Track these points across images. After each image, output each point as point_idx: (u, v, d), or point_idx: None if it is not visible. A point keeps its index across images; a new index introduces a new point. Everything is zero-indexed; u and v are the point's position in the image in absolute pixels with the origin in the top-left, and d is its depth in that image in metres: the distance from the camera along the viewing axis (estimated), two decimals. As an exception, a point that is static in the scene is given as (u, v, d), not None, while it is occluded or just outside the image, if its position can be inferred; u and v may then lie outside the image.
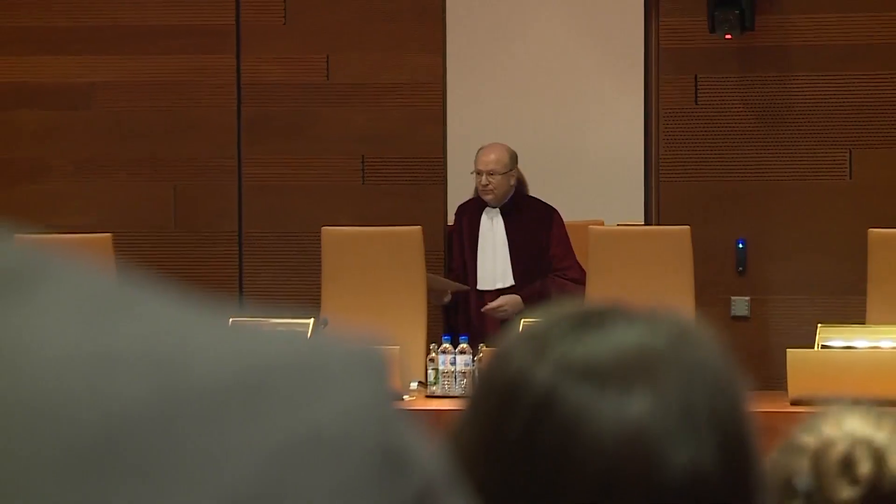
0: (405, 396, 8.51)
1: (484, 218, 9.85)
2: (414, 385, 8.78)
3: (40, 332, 0.68)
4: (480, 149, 9.91)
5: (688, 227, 9.50)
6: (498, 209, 9.77)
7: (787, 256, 10.06)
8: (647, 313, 1.66)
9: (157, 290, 0.73)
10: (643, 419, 1.55)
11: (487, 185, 9.71)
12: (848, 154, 10.03)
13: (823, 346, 8.55)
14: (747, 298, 10.00)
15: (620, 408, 1.54)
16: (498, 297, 9.76)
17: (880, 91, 10.07)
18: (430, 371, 8.78)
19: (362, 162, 10.49)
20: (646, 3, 10.48)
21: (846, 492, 2.21)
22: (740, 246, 10.02)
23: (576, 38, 12.02)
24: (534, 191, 10.21)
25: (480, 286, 9.84)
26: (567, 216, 10.06)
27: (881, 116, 10.03)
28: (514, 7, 12.01)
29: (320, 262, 9.76)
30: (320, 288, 9.68)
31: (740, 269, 10.04)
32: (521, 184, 10.08)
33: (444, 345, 8.82)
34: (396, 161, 10.50)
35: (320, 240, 9.75)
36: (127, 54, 10.65)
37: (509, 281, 9.76)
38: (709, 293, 9.50)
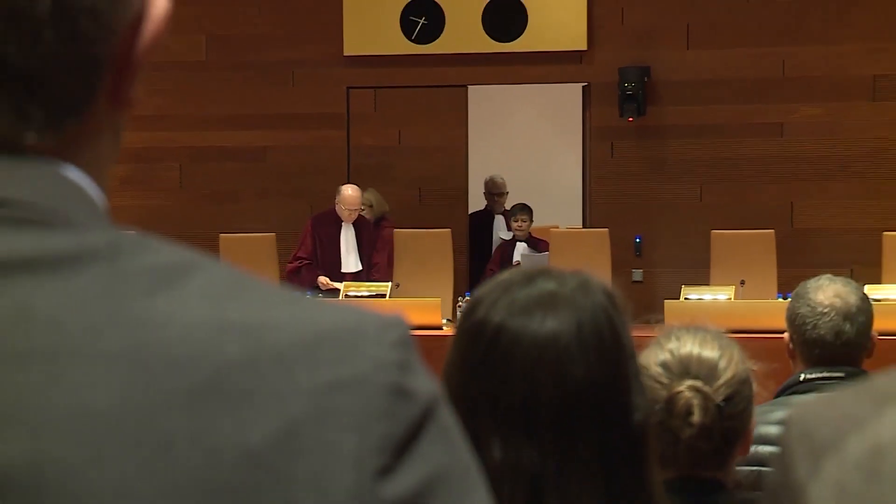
0: (443, 327, 8.80)
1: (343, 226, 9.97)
2: (445, 321, 8.98)
3: (183, 308, 0.76)
4: (346, 187, 9.97)
5: (606, 229, 9.96)
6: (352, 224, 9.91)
7: (663, 246, 10.86)
8: (562, 273, 1.77)
9: (259, 280, 0.80)
10: (551, 336, 1.68)
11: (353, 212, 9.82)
12: (699, 187, 10.86)
13: (686, 298, 9.18)
14: (641, 271, 10.81)
15: (538, 330, 1.68)
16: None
17: (718, 150, 10.74)
18: (458, 311, 8.68)
19: (419, 191, 11.35)
20: (583, 99, 11.23)
21: (686, 431, 2.20)
22: (637, 240, 10.86)
23: (542, 119, 12.46)
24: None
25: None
26: (537, 223, 10.78)
27: (722, 163, 10.74)
28: (506, 102, 12.24)
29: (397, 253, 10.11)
30: (394, 266, 10.01)
31: (637, 253, 10.85)
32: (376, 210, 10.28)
33: (467, 297, 9.39)
34: (438, 191, 11.32)
35: (394, 239, 10.13)
36: (284, 129, 11.23)
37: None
38: (619, 268, 9.86)
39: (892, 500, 0.71)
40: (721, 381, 2.24)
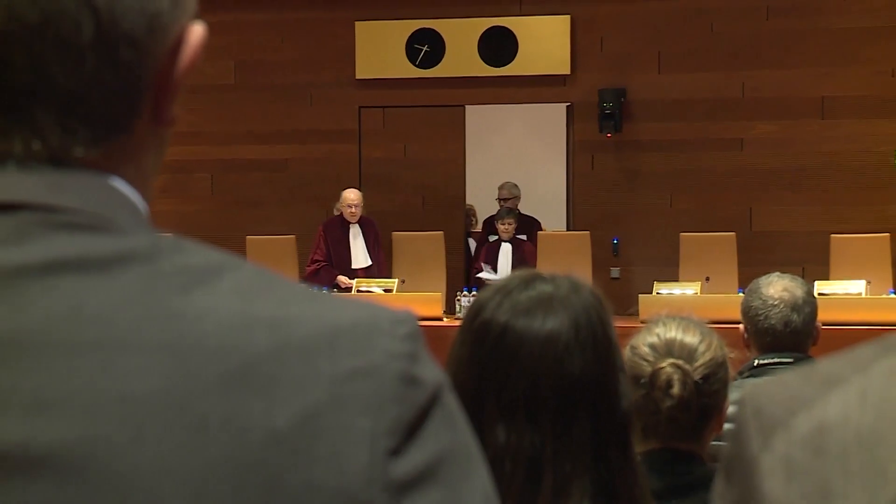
0: (444, 319, 8.88)
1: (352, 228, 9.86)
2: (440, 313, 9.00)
3: (216, 304, 0.75)
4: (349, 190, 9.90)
5: (588, 232, 9.93)
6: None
7: (638, 247, 10.76)
8: (554, 276, 1.75)
9: (284, 279, 0.79)
10: (550, 333, 1.66)
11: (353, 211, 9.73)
12: (669, 195, 10.76)
13: (658, 293, 9.11)
14: (618, 268, 10.68)
15: (540, 330, 1.66)
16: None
17: (686, 163, 10.65)
18: (457, 305, 9.20)
19: (422, 198, 11.29)
20: (567, 117, 11.06)
21: (666, 403, 2.21)
22: (615, 242, 10.75)
23: (531, 134, 12.24)
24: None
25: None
26: (526, 226, 10.50)
27: (689, 174, 10.66)
28: (499, 119, 12.01)
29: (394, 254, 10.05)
30: (392, 264, 9.97)
31: (615, 253, 10.73)
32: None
33: (465, 293, 9.14)
34: (439, 198, 11.25)
35: (391, 243, 10.07)
36: (303, 143, 11.15)
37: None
38: (598, 266, 9.76)
39: (834, 473, 0.70)
40: (699, 362, 2.24)
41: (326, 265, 9.87)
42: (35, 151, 0.76)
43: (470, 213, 11.43)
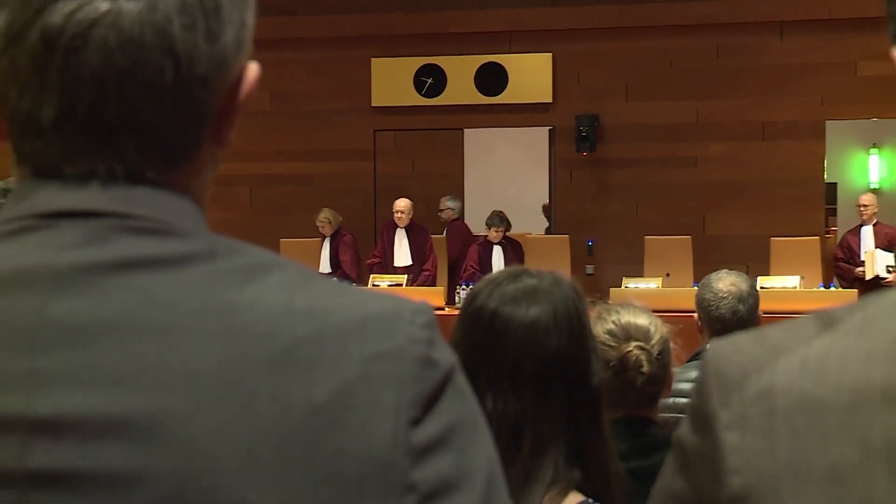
0: (445, 308, 8.65)
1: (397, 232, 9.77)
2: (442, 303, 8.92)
3: (264, 297, 0.74)
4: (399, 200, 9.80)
5: (567, 235, 10.03)
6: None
7: (609, 248, 10.67)
8: (539, 272, 1.73)
9: (321, 276, 0.78)
10: (533, 319, 1.64)
11: (401, 217, 9.69)
12: (635, 204, 10.67)
13: (626, 287, 9.07)
14: (592, 266, 10.60)
15: (524, 316, 1.65)
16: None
17: (649, 177, 10.57)
18: (457, 297, 9.16)
19: (427, 207, 11.03)
20: (549, 139, 11.04)
21: (639, 379, 2.19)
22: (590, 244, 10.69)
23: (519, 153, 11.99)
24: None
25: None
26: (515, 230, 10.35)
27: (652, 187, 10.57)
28: (492, 141, 11.81)
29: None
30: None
31: (590, 253, 10.67)
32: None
33: (463, 286, 9.10)
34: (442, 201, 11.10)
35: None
36: (326, 161, 11.16)
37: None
38: (576, 264, 9.76)
39: (779, 429, 0.70)
40: (654, 340, 2.23)
41: (379, 262, 9.82)
42: (115, 172, 0.76)
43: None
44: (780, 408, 0.70)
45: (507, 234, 10.10)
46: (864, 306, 0.71)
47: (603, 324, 2.25)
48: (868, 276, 9.05)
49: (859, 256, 9.32)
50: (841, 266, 9.36)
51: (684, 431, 0.76)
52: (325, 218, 9.93)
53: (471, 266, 9.92)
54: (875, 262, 9.02)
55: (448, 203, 10.55)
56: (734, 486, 0.70)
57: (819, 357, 0.70)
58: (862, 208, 9.36)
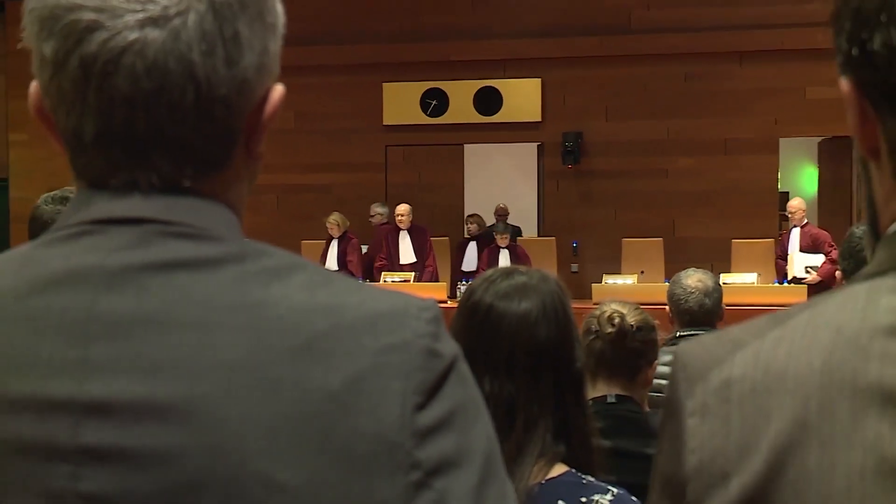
0: (448, 302, 8.49)
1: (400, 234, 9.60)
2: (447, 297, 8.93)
3: (288, 294, 0.73)
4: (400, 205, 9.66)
5: (554, 238, 10.05)
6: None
7: (591, 249, 10.61)
8: (529, 270, 1.72)
9: (339, 276, 0.77)
10: (524, 313, 1.63)
11: (402, 219, 9.58)
12: (614, 210, 10.52)
13: (606, 283, 9.04)
14: (577, 265, 10.58)
15: (516, 308, 1.63)
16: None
17: (626, 187, 10.46)
18: (457, 291, 8.86)
19: (431, 213, 10.86)
20: (538, 153, 10.97)
21: (608, 329, 2.24)
22: (574, 245, 10.66)
23: (512, 165, 11.62)
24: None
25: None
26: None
27: (629, 195, 10.53)
28: (489, 155, 11.56)
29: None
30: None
31: (574, 254, 10.63)
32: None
33: (464, 283, 8.81)
34: (444, 213, 10.98)
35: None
36: (343, 172, 11.05)
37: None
38: (562, 263, 9.85)
39: (733, 414, 0.69)
40: (631, 317, 2.27)
41: (386, 264, 9.70)
42: (153, 183, 0.75)
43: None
44: (735, 395, 0.70)
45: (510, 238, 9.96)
46: (811, 305, 0.71)
47: (601, 307, 2.35)
48: (789, 276, 9.02)
49: (787, 253, 9.31)
50: (779, 263, 9.27)
51: (661, 419, 0.77)
52: (335, 220, 9.78)
53: (481, 268, 9.71)
54: (794, 263, 8.99)
55: (377, 209, 10.34)
56: (690, 464, 0.71)
57: (769, 349, 0.70)
58: (790, 213, 9.21)
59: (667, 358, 2.91)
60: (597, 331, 2.23)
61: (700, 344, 0.75)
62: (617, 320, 2.24)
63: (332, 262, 9.71)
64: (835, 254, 8.63)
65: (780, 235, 10.00)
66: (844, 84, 0.71)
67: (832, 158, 11.18)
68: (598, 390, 2.23)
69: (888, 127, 0.69)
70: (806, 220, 9.21)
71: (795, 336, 0.70)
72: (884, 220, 0.72)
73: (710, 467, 0.69)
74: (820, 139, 10.69)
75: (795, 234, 9.23)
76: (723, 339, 0.74)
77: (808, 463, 0.65)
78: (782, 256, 9.30)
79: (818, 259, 8.92)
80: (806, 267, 8.89)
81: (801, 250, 9.07)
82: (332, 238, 9.84)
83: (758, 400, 0.69)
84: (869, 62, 0.68)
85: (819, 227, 9.47)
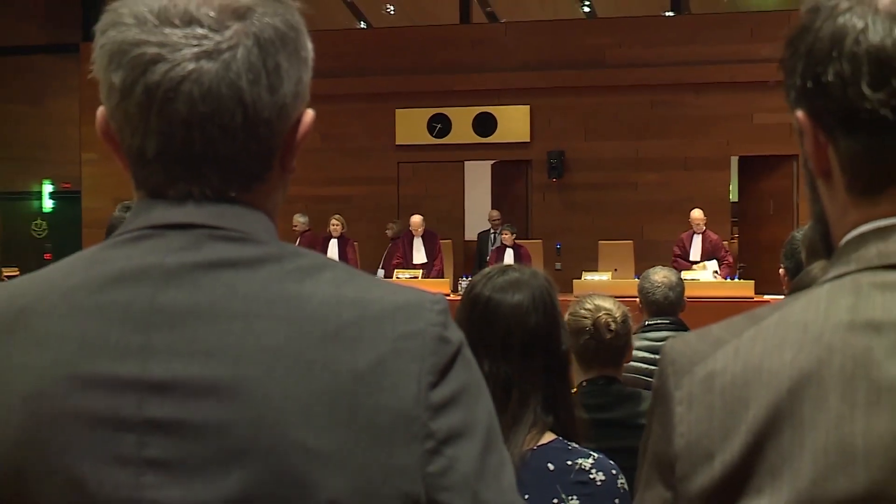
0: (451, 295, 8.22)
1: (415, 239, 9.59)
2: (451, 292, 8.65)
3: (319, 289, 0.72)
4: (415, 216, 9.59)
5: (541, 240, 10.06)
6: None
7: (573, 251, 10.45)
8: (521, 267, 1.70)
9: (363, 273, 0.76)
10: (517, 302, 1.60)
11: (419, 228, 9.55)
12: (592, 217, 10.51)
13: (585, 279, 8.90)
14: (560, 263, 10.30)
15: (510, 300, 1.61)
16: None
17: (603, 198, 10.39)
18: (459, 286, 8.94)
19: (436, 220, 10.54)
20: (527, 169, 10.82)
21: (606, 335, 2.17)
22: (558, 247, 10.55)
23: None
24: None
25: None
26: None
27: (604, 205, 10.44)
28: (485, 170, 11.40)
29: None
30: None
31: (559, 254, 10.50)
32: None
33: (466, 279, 8.80)
34: (447, 220, 10.88)
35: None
36: (362, 186, 10.85)
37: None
38: (548, 262, 9.83)
39: (716, 402, 0.69)
40: (615, 313, 2.21)
41: (402, 262, 9.59)
42: (205, 193, 0.75)
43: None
44: (718, 386, 0.69)
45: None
46: (781, 307, 0.71)
47: (581, 304, 2.25)
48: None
49: (689, 255, 9.22)
50: (678, 261, 9.04)
51: (651, 406, 0.76)
52: (338, 220, 9.63)
53: (490, 264, 9.67)
54: (707, 268, 8.99)
55: (299, 219, 10.01)
56: (679, 445, 0.71)
57: (746, 346, 0.70)
58: (693, 222, 9.18)
59: (639, 343, 2.91)
60: (592, 333, 2.18)
61: (685, 342, 0.74)
62: (613, 326, 2.19)
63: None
64: (730, 258, 9.10)
65: (732, 239, 9.96)
66: (800, 115, 0.70)
67: (743, 173, 11.03)
68: (592, 374, 2.23)
69: (841, 147, 0.69)
70: (705, 228, 9.20)
71: (768, 334, 0.69)
72: (837, 231, 0.72)
73: (696, 448, 0.69)
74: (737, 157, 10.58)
75: (697, 240, 9.20)
76: (706, 337, 0.73)
77: (782, 443, 0.65)
78: (683, 257, 9.19)
79: (715, 264, 9.00)
80: (713, 271, 8.93)
81: (703, 254, 9.13)
82: (330, 237, 9.65)
83: (737, 390, 0.68)
84: (823, 92, 0.68)
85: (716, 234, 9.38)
